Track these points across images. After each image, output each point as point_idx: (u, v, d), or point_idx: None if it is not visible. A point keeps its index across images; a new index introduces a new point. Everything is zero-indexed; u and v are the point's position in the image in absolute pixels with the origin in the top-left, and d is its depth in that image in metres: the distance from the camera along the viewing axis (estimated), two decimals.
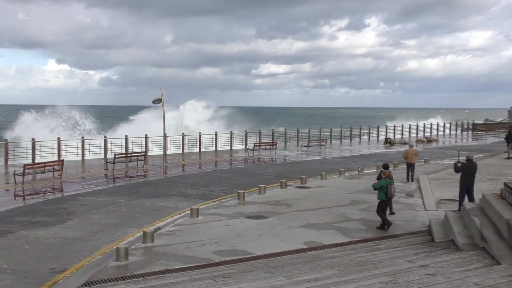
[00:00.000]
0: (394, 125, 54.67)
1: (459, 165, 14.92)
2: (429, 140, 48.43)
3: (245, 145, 39.15)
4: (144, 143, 33.48)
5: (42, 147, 29.29)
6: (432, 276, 7.81)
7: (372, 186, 13.79)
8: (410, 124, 56.23)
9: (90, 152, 31.35)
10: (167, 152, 31.33)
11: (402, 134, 53.55)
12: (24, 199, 18.71)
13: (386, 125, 53.95)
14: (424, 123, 58.02)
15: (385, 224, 13.31)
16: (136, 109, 78.57)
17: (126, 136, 33.12)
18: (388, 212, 14.32)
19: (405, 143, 45.56)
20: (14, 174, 21.88)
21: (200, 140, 36.93)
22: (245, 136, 40.53)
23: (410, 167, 22.07)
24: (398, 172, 23.46)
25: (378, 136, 51.28)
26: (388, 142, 45.22)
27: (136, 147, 32.76)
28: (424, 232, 12.68)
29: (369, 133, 51.37)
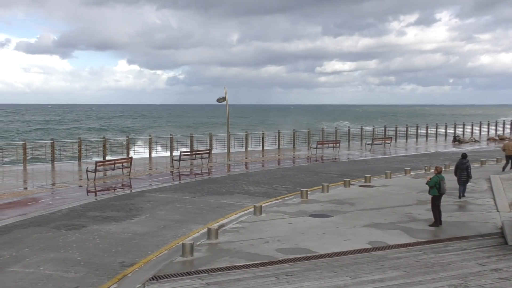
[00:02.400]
0: (463, 123, 52.50)
1: None
2: (502, 139, 46.14)
3: (308, 144, 38.95)
4: (208, 141, 34.11)
5: (112, 145, 30.50)
6: (505, 281, 7.47)
7: (427, 183, 13.67)
8: (480, 122, 53.83)
9: (157, 150, 32.34)
10: (231, 150, 31.74)
11: (472, 132, 51.44)
12: (95, 195, 19.56)
13: (455, 123, 51.88)
14: (496, 121, 55.32)
15: (437, 221, 13.38)
16: (201, 108, 79.91)
17: (191, 134, 33.87)
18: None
19: (475, 142, 43.75)
20: (87, 171, 22.92)
21: (263, 138, 37.12)
22: (308, 135, 40.32)
23: (510, 159, 23.47)
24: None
25: (446, 135, 49.50)
26: (457, 140, 43.55)
27: (200, 145, 33.44)
28: (496, 235, 12.13)
29: (436, 131, 49.62)
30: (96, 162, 23.17)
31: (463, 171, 17.19)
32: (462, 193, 17.29)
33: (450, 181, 17.56)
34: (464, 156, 17.58)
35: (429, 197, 13.76)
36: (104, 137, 30.42)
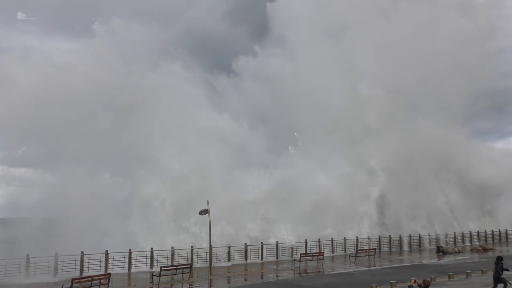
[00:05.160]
0: (446, 233, 52.28)
1: None
2: (485, 249, 46.02)
3: (292, 255, 38.32)
4: (190, 254, 33.40)
5: (90, 260, 29.60)
6: None
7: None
8: (463, 232, 53.70)
9: (137, 265, 31.43)
10: (212, 264, 30.99)
11: (455, 241, 51.21)
12: None
13: (436, 233, 51.52)
14: (478, 230, 55.25)
15: None
16: None
17: (172, 248, 33.20)
18: None
19: (458, 252, 43.59)
20: None
21: (246, 251, 36.52)
22: (291, 247, 39.75)
23: None
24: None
25: (430, 244, 49.12)
26: (440, 251, 43.32)
27: (182, 259, 32.66)
28: None
29: (419, 241, 49.16)
30: (73, 279, 22.35)
31: (497, 270, 20.32)
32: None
33: None
34: (498, 258, 20.71)
35: None
36: (82, 252, 29.59)
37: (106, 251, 30.50)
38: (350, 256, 38.23)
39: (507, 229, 57.69)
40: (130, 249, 31.81)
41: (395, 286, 23.00)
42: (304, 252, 36.91)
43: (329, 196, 43.56)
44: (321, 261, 35.23)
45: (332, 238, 42.58)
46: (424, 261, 36.93)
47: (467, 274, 26.51)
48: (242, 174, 44.25)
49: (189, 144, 40.90)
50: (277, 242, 39.09)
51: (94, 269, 28.74)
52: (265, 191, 42.02)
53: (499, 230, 56.73)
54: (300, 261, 33.97)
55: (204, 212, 29.93)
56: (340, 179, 46.94)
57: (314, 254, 35.94)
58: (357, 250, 39.04)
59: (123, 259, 31.22)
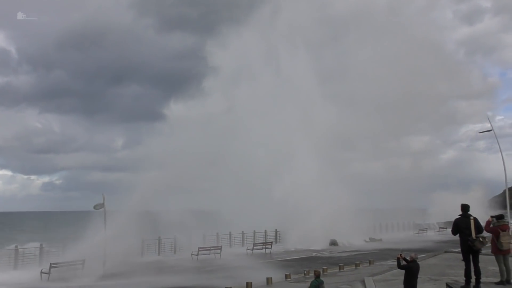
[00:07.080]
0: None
1: (402, 262, 15.02)
2: (373, 240, 48.87)
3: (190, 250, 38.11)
4: None
5: None
6: None
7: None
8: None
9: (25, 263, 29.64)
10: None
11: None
12: None
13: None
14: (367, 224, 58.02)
15: None
16: (78, 215, 74.28)
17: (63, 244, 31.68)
18: None
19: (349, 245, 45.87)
20: None
21: (142, 246, 35.81)
22: (190, 240, 39.52)
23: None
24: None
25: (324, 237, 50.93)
26: (332, 243, 45.35)
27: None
28: None
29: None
30: None
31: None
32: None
33: (329, 284, 17.99)
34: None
35: None
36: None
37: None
38: (247, 250, 38.79)
39: (392, 221, 61.30)
40: (16, 246, 29.92)
41: (290, 278, 23.62)
42: (202, 246, 36.88)
43: None
44: (219, 254, 35.42)
45: (230, 232, 42.95)
46: (317, 255, 38.37)
47: (356, 265, 27.95)
48: None
49: None
50: (175, 235, 38.61)
51: None
52: None
53: (386, 222, 60.18)
54: (198, 254, 33.91)
55: (99, 206, 28.95)
56: None
57: (212, 248, 36.04)
58: (254, 244, 39.74)
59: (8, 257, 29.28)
